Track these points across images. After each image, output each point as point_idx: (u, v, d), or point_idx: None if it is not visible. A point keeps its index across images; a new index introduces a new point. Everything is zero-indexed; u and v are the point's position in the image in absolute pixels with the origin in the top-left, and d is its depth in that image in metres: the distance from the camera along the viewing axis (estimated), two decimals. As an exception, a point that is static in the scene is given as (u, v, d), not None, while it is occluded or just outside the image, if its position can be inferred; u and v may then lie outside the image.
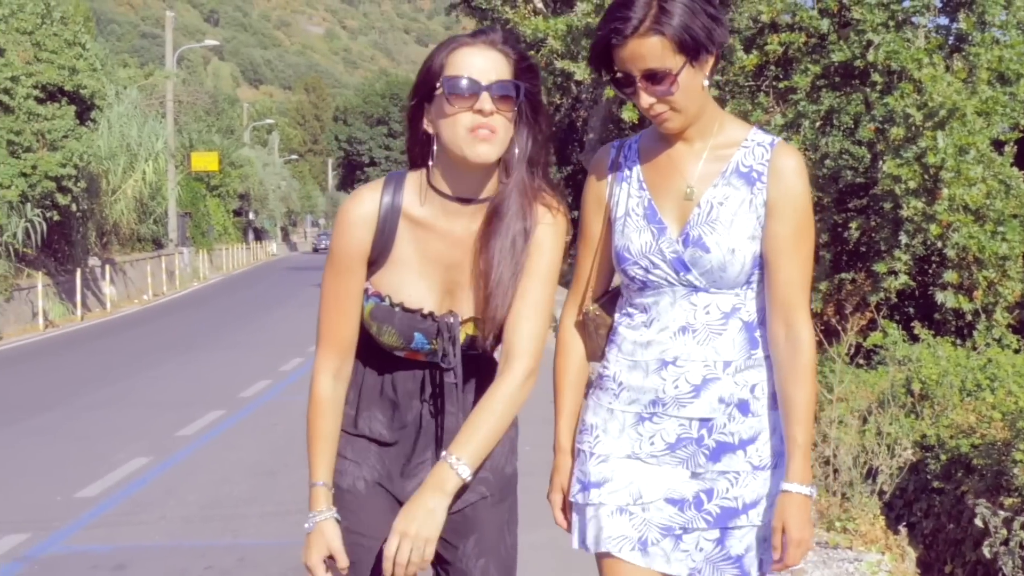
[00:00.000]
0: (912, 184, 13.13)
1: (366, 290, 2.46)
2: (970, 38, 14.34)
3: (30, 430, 10.02)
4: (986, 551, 4.08)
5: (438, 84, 2.35)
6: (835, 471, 5.57)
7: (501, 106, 2.33)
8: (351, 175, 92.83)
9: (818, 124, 15.66)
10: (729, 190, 2.43)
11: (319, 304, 2.47)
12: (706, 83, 2.39)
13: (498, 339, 2.48)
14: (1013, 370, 8.11)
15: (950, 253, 13.12)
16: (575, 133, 27.35)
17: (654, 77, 2.33)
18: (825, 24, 14.82)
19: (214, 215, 48.79)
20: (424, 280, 2.45)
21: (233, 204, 55.37)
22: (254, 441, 9.34)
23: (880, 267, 13.79)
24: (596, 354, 2.58)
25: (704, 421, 2.41)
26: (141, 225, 33.35)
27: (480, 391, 2.47)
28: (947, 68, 13.78)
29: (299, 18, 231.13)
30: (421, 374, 2.50)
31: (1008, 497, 5.56)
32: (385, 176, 2.50)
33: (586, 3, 16.52)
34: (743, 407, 2.41)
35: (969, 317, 13.20)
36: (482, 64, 2.34)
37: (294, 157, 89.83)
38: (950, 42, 15.23)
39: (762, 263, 2.43)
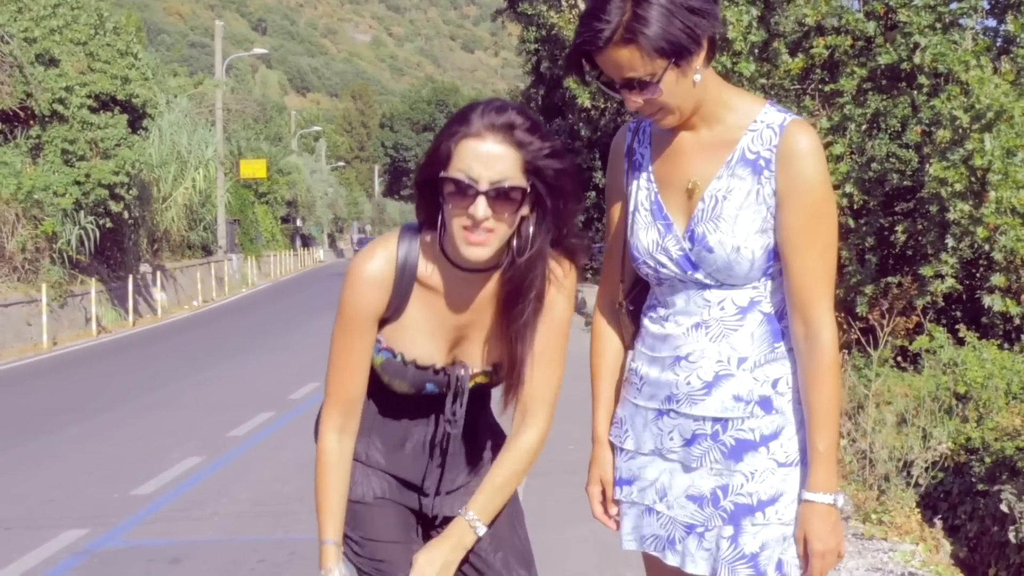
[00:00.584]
0: (959, 187, 13.06)
1: (378, 342, 2.45)
2: (1018, 40, 14.24)
3: (86, 432, 10.24)
4: (1012, 535, 4.12)
5: (442, 174, 2.28)
6: (871, 464, 5.62)
7: (499, 209, 2.26)
8: (397, 181, 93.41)
9: (864, 127, 15.62)
10: (734, 181, 2.31)
11: (328, 359, 2.43)
12: (698, 78, 2.25)
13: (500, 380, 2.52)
14: None
15: (997, 256, 13.02)
16: (620, 138, 27.41)
17: (636, 84, 2.24)
18: (871, 27, 14.79)
19: (262, 222, 49.26)
20: (434, 339, 2.45)
21: (281, 211, 55.88)
22: (303, 441, 9.42)
23: (927, 270, 13.72)
24: (630, 344, 2.54)
25: (716, 419, 2.34)
26: (191, 232, 33.76)
27: (475, 411, 2.56)
28: (995, 70, 13.70)
29: (346, 26, 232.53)
30: (427, 412, 2.55)
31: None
32: (397, 233, 2.44)
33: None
34: (765, 404, 2.31)
35: (1017, 321, 13.09)
36: (486, 161, 2.24)
37: (341, 164, 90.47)
38: (998, 44, 15.14)
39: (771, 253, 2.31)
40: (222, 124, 39.32)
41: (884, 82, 15.61)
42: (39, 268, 20.98)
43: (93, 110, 22.82)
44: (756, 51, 15.49)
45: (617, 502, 2.53)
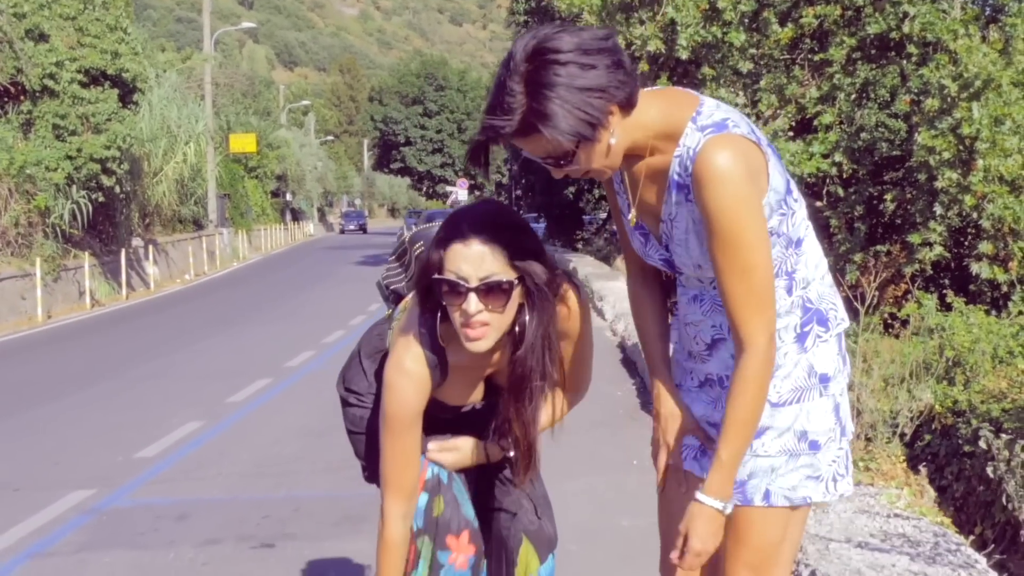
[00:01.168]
0: (947, 155, 13.18)
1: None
2: (1006, 8, 14.34)
3: (86, 400, 10.36)
4: (990, 471, 4.28)
5: (435, 276, 2.44)
6: (858, 413, 5.78)
7: (491, 302, 2.40)
8: (387, 155, 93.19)
9: (853, 97, 15.73)
10: (677, 207, 2.38)
11: (382, 455, 2.63)
12: (613, 140, 2.27)
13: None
14: None
15: (985, 224, 13.16)
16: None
17: (552, 160, 2.29)
18: (860, -4, 14.88)
19: (252, 196, 49.23)
20: (466, 389, 2.71)
21: (271, 185, 55.84)
22: (302, 406, 9.63)
23: (915, 238, 13.86)
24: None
25: (719, 379, 2.51)
26: (182, 206, 33.75)
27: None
28: (983, 39, 13.79)
29: (333, 0, 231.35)
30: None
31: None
32: (412, 332, 2.58)
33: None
34: None
35: (1004, 288, 13.24)
36: (473, 260, 2.39)
37: (330, 138, 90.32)
38: (986, 13, 15.23)
39: None
40: (211, 99, 39.27)
41: (873, 51, 15.73)
42: (32, 243, 21.02)
43: (84, 85, 22.78)
44: (746, 21, 15.58)
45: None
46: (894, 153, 15.71)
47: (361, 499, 6.40)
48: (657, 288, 2.70)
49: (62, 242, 21.83)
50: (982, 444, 4.75)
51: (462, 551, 2.76)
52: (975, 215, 13.28)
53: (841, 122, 15.58)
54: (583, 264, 23.85)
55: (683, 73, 18.07)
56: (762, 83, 15.97)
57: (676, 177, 2.33)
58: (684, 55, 16.10)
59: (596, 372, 2.92)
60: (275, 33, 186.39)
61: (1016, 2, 13.89)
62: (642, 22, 16.22)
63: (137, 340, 15.68)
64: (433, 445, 2.77)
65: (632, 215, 2.52)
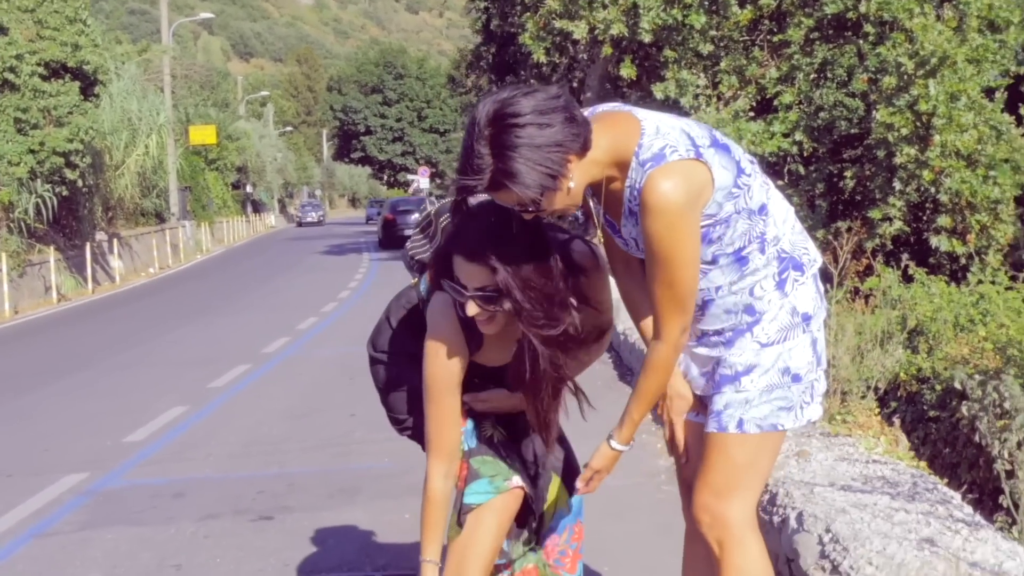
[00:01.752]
0: (905, 131, 13.46)
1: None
2: (959, -13, 14.55)
3: (67, 389, 10.47)
4: (965, 410, 4.54)
5: (446, 281, 2.76)
6: (833, 367, 6.05)
7: (487, 306, 2.70)
8: (347, 145, 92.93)
9: (812, 76, 16.01)
10: (635, 228, 2.68)
11: (426, 419, 2.92)
12: (572, 184, 2.53)
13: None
14: (1005, 304, 8.40)
15: (943, 198, 13.47)
16: (572, 94, 27.54)
17: (522, 206, 2.55)
18: (818, -23, 15.11)
19: (213, 188, 49.08)
20: (501, 352, 2.94)
21: (231, 177, 55.60)
22: (283, 390, 9.79)
23: (875, 214, 14.15)
24: None
25: (716, 331, 2.80)
26: (144, 199, 33.67)
27: None
28: (938, 17, 14.06)
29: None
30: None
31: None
32: (450, 308, 2.84)
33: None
34: (749, 310, 2.74)
35: (963, 260, 13.54)
36: (468, 274, 2.69)
37: (288, 129, 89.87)
38: (940, -8, 15.46)
39: (709, 235, 2.66)
40: (170, 91, 39.11)
41: (831, 32, 16.01)
42: (-4, 237, 20.99)
43: (44, 78, 22.72)
44: (706, 3, 15.83)
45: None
46: (853, 131, 15.98)
47: (352, 473, 6.60)
48: (641, 274, 2.95)
49: (26, 237, 21.78)
50: (956, 385, 5.01)
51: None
52: (933, 190, 13.57)
53: (800, 102, 15.87)
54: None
55: (645, 56, 18.31)
56: (722, 64, 16.23)
57: (628, 204, 2.64)
58: (646, 38, 16.32)
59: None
60: (230, 24, 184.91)
61: (969, -19, 14.15)
62: (605, 6, 16.43)
63: (110, 331, 15.75)
64: (467, 397, 3.00)
65: (598, 236, 2.91)
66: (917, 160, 13.59)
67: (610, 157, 2.59)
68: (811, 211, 15.60)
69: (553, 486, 3.13)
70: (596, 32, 16.70)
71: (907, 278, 10.89)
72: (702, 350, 2.85)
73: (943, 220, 13.65)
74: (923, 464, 5.24)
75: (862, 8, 14.40)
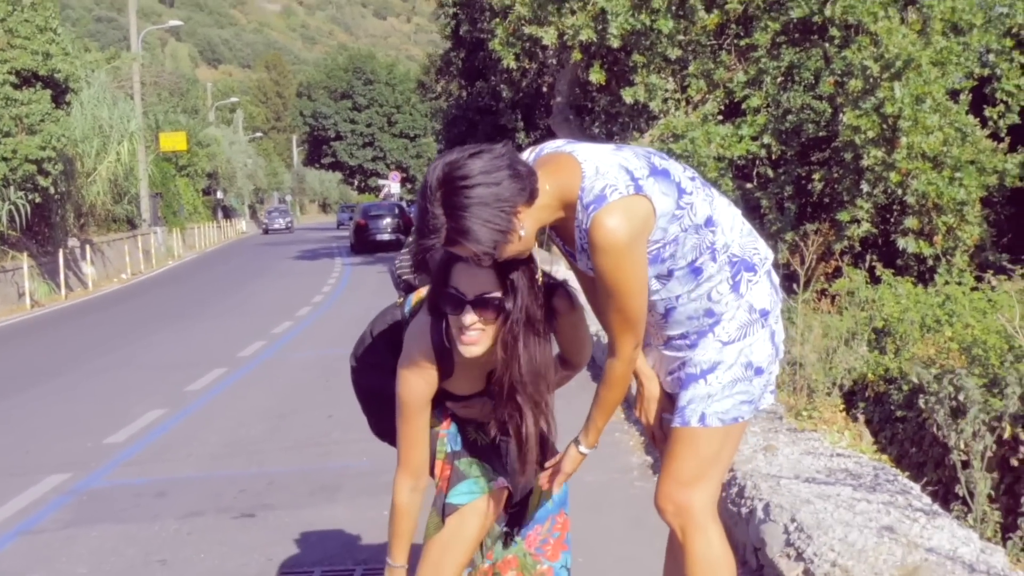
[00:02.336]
0: (871, 134, 13.65)
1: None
2: (922, -9, 14.73)
3: (44, 393, 10.53)
4: (922, 403, 4.72)
5: (439, 288, 2.87)
6: (800, 365, 6.22)
7: (484, 314, 2.81)
8: (317, 150, 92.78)
9: (779, 80, 16.20)
10: (589, 261, 2.83)
11: (397, 436, 3.07)
12: (523, 232, 2.69)
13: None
14: (970, 305, 8.55)
15: (910, 200, 13.66)
16: (542, 99, 27.75)
17: (478, 257, 2.70)
18: (784, -18, 15.27)
19: (184, 195, 49.01)
20: (470, 382, 3.08)
21: (202, 183, 55.51)
22: (260, 392, 9.90)
23: (843, 216, 14.34)
24: None
25: (682, 335, 2.98)
26: (116, 206, 33.60)
27: None
28: (902, 20, 14.26)
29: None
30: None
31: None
32: (425, 334, 2.97)
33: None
34: (709, 313, 2.91)
35: (930, 262, 13.73)
36: (470, 279, 2.80)
37: (258, 135, 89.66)
38: (904, -5, 15.64)
39: (661, 255, 2.83)
40: (140, 98, 39.03)
41: (797, 35, 16.21)
42: (-30, 245, 20.97)
43: (16, 86, 22.71)
44: (673, 8, 16.00)
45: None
46: (820, 134, 16.17)
47: (331, 472, 6.72)
48: None
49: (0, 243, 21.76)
50: (913, 378, 5.20)
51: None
52: (900, 192, 13.75)
53: (768, 105, 16.05)
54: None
55: (614, 61, 18.47)
56: (691, 68, 16.39)
57: (580, 242, 2.81)
58: (615, 43, 16.48)
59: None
60: (197, 31, 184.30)
61: (932, -16, 14.35)
62: (573, 12, 16.58)
63: (85, 336, 15.79)
64: (450, 404, 3.17)
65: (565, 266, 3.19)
66: (884, 162, 13.77)
67: (557, 201, 2.77)
68: (780, 213, 15.79)
69: (537, 485, 3.26)
70: (565, 38, 16.85)
71: (875, 279, 11.05)
72: (669, 352, 3.03)
73: (910, 222, 13.82)
74: (885, 457, 5.41)
75: (827, 12, 14.58)
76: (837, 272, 12.69)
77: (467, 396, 3.12)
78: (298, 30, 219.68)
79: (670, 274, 2.87)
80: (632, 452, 6.63)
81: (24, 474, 7.11)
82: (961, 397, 4.44)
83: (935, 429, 4.58)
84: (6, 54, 22.59)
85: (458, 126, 32.94)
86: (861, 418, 6.25)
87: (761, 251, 2.99)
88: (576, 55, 17.88)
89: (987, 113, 14.17)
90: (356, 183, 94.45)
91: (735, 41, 16.77)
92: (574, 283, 3.13)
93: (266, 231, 64.53)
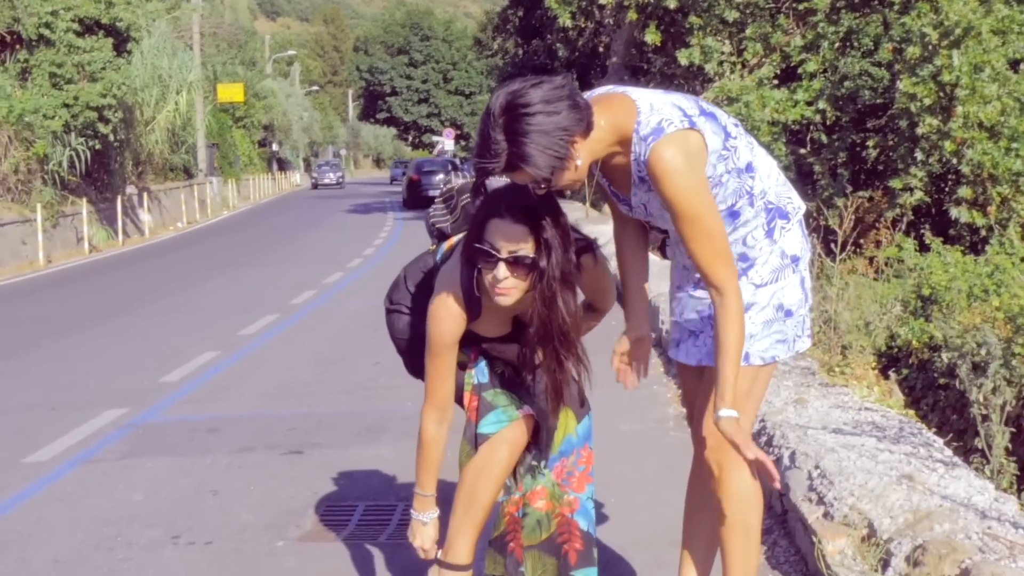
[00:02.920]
0: (928, 102, 13.59)
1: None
2: (985, -42, 14.59)
3: (102, 334, 10.83)
4: (944, 357, 4.83)
5: (475, 244, 2.98)
6: (835, 328, 6.32)
7: (515, 272, 2.95)
8: (372, 105, 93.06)
9: (837, 45, 16.13)
10: (646, 194, 2.95)
11: (425, 371, 3.22)
12: (579, 162, 2.78)
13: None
14: (1020, 276, 8.52)
15: (965, 169, 13.59)
16: (597, 59, 27.72)
17: (535, 184, 2.81)
18: (845, -54, 15.16)
19: (240, 146, 49.43)
20: (497, 326, 3.23)
21: (258, 135, 55.98)
22: (312, 338, 10.13)
23: (896, 183, 14.31)
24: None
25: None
26: (173, 155, 34.04)
27: None
28: (963, -12, 14.14)
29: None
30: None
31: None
32: (456, 278, 3.11)
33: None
34: (744, 257, 3.03)
35: (983, 232, 13.68)
36: (505, 235, 2.93)
37: (315, 88, 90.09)
38: (966, -38, 15.48)
39: None
40: (199, 48, 39.38)
41: (856, 0, 16.11)
42: (31, 189, 21.39)
43: (79, 34, 23.07)
44: (734, -30, 15.96)
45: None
46: (877, 101, 16.10)
47: (377, 414, 6.92)
48: (636, 232, 3.28)
49: (60, 189, 22.18)
50: (937, 334, 5.30)
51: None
52: (955, 161, 13.69)
53: (825, 70, 15.99)
54: (571, 210, 24.27)
55: (670, 22, 18.46)
56: (748, 32, 16.36)
57: (637, 176, 2.91)
58: (672, 4, 16.49)
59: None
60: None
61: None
62: (632, -29, 16.58)
63: (141, 282, 16.13)
64: (485, 344, 3.34)
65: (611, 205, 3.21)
66: (939, 131, 13.70)
67: (612, 135, 2.88)
68: (832, 179, 15.77)
69: (563, 415, 3.41)
70: (623, -3, 16.86)
71: (924, 248, 11.02)
72: (701, 293, 3.12)
73: (964, 191, 13.76)
74: (912, 412, 5.51)
75: (888, -23, 14.48)
76: (889, 240, 12.62)
77: (493, 339, 3.28)
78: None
79: None
80: (669, 404, 6.76)
81: (83, 408, 7.37)
82: (983, 352, 4.54)
83: (957, 383, 4.69)
84: (70, 2, 22.92)
85: (513, 84, 32.91)
86: (893, 375, 6.34)
87: (795, 200, 3.11)
88: (632, 15, 17.89)
89: (1047, 84, 14.02)
90: (410, 139, 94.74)
91: (794, 5, 16.70)
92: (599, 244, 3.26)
93: (315, 185, 61.89)
